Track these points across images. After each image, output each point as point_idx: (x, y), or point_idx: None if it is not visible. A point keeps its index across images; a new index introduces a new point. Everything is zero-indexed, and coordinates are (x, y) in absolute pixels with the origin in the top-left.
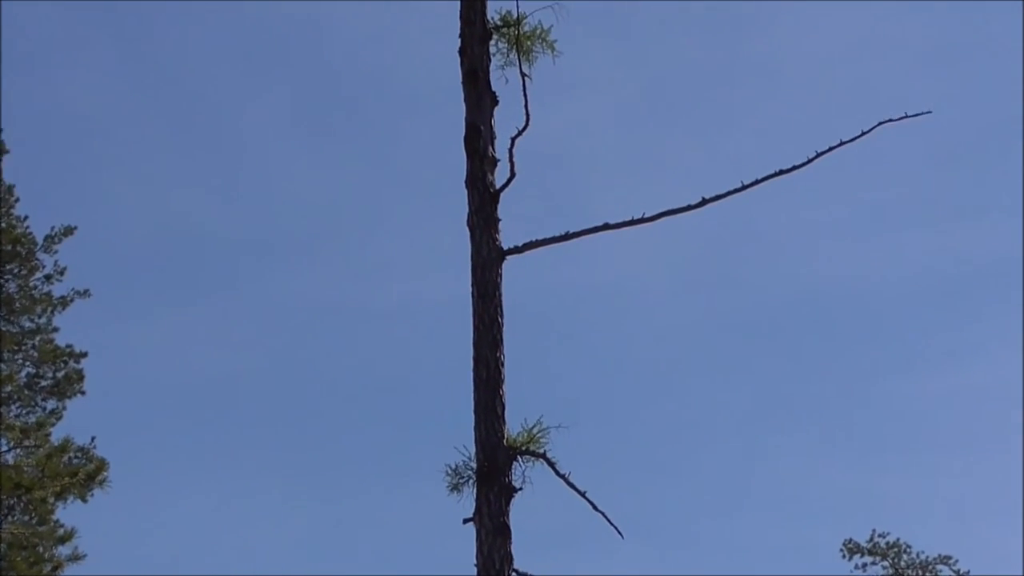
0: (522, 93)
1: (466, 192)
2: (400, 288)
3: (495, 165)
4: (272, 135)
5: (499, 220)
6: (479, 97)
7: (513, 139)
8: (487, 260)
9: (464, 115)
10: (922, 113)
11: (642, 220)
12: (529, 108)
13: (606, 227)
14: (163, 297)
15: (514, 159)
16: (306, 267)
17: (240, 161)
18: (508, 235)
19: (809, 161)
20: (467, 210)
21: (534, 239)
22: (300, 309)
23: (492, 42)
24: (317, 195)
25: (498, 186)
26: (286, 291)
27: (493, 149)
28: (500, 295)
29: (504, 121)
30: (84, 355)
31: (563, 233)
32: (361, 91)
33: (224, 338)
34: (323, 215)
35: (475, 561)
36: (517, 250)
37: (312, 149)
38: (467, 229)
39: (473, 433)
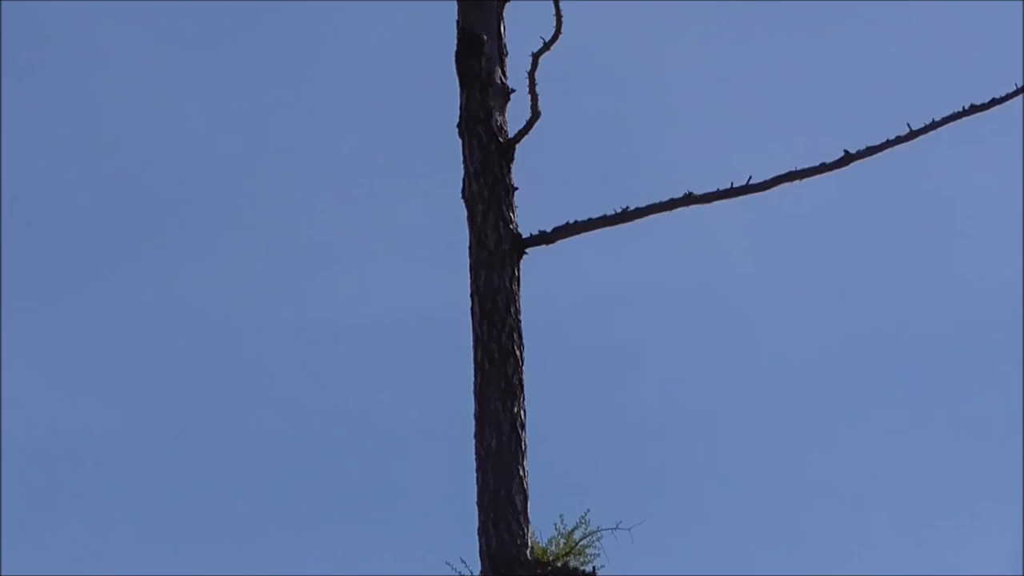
0: None
1: (460, 144)
2: (351, 302)
3: (507, 98)
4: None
5: (514, 189)
6: None
7: (535, 56)
8: (494, 255)
9: (456, 17)
10: None
11: (747, 189)
12: (560, 6)
13: (688, 200)
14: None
15: (536, 89)
16: (195, 266)
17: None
18: (528, 214)
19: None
20: (461, 174)
21: (570, 221)
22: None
23: None
24: (205, 154)
25: (512, 133)
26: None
27: (504, 73)
28: (517, 311)
29: (521, 28)
30: None
31: (619, 211)
32: None
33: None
34: (220, 187)
35: None
36: (543, 239)
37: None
38: (461, 204)
39: (476, 539)
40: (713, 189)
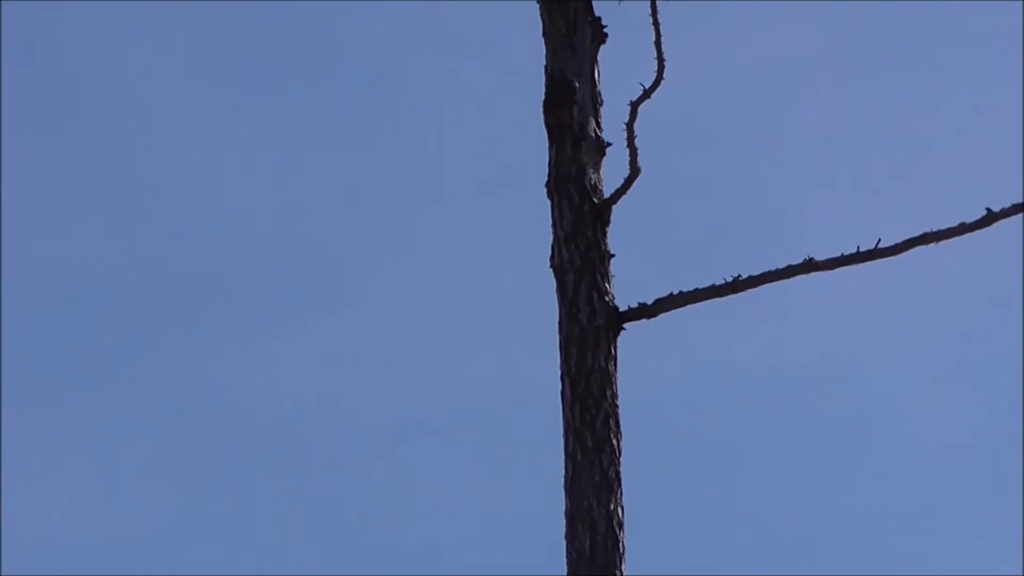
0: (651, 18)
1: (549, 205)
2: (427, 388)
3: (602, 154)
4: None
5: (610, 256)
6: (569, 28)
7: (634, 105)
8: (588, 331)
9: (544, 62)
10: None
11: (876, 253)
12: (663, 48)
13: (809, 267)
14: None
15: (636, 143)
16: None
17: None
18: (626, 285)
19: None
20: (550, 239)
21: (674, 292)
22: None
23: None
24: (259, 218)
25: (608, 193)
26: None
27: (598, 124)
28: (614, 395)
29: (618, 74)
30: None
31: (729, 280)
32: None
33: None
34: (274, 259)
35: None
36: (643, 312)
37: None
38: (550, 274)
39: None
40: (837, 254)
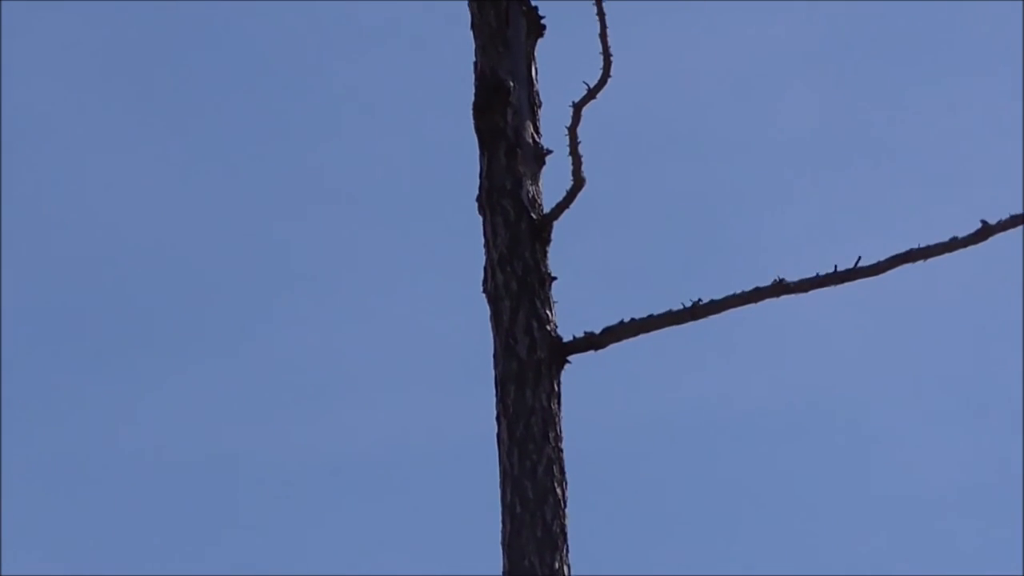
0: (595, 7)
1: (481, 221)
2: (344, 433)
3: (541, 163)
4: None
5: (552, 279)
6: (501, 20)
7: (577, 107)
8: (526, 365)
9: (473, 58)
10: None
11: (856, 273)
12: (609, 44)
13: (780, 289)
14: None
15: (580, 150)
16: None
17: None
18: (569, 311)
19: None
20: (482, 261)
21: (625, 319)
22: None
23: None
24: (160, 246)
25: (548, 207)
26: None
27: (536, 130)
28: (557, 437)
29: (558, 72)
30: None
31: (688, 304)
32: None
33: None
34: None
35: None
36: (590, 343)
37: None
38: (483, 300)
39: None
40: (811, 274)
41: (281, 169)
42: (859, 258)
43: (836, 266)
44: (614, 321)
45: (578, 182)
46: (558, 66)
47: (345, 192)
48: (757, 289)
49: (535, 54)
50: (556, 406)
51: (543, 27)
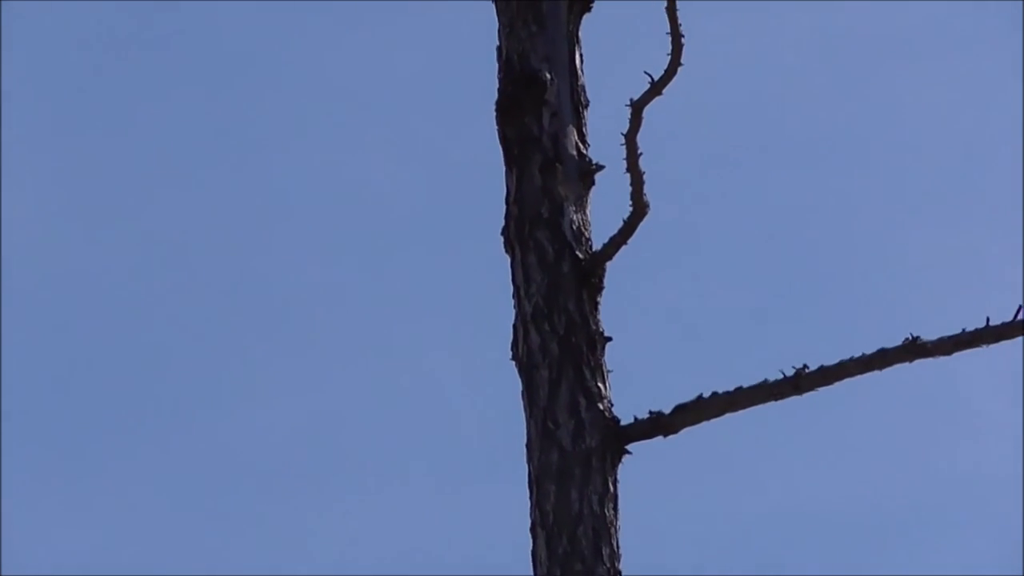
0: None
1: (508, 261)
2: (343, 540)
3: (589, 181)
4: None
5: (606, 339)
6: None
7: (637, 106)
8: (572, 458)
9: (496, 41)
10: None
11: (1015, 329)
12: (679, 22)
13: (913, 351)
14: None
15: (640, 164)
16: None
17: None
18: (626, 384)
19: None
20: (511, 316)
21: (705, 393)
22: None
23: None
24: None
25: (598, 244)
26: None
27: (583, 137)
28: (614, 554)
29: (609, 60)
30: None
31: (791, 373)
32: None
33: None
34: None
35: None
36: (656, 426)
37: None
38: (513, 369)
39: None
40: (954, 331)
41: (257, 194)
42: (1020, 307)
43: (988, 319)
44: (689, 396)
45: (639, 208)
46: (611, 52)
47: (338, 226)
48: (883, 351)
49: (579, 35)
50: (612, 512)
51: (589, 3)
